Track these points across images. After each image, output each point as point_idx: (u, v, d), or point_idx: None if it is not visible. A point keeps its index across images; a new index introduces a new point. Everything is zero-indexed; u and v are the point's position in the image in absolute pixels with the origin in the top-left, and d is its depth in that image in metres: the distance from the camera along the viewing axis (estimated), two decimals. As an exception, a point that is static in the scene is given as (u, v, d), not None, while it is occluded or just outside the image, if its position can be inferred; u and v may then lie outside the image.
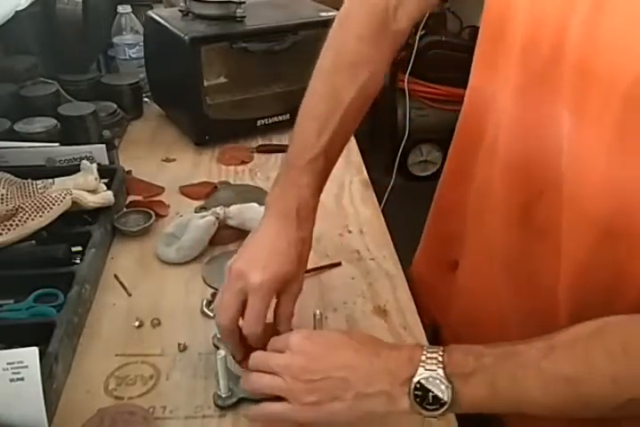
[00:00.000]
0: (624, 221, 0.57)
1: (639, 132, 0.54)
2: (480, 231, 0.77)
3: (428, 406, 0.54)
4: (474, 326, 0.60)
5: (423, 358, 0.55)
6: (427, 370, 0.54)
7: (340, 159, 1.29)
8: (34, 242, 0.88)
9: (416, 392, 0.54)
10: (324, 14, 1.26)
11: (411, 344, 0.59)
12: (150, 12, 1.29)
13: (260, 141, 1.28)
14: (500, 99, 0.69)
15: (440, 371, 0.54)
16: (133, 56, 1.42)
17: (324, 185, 0.75)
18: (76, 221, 0.94)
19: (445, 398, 0.53)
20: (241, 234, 0.97)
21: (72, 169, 0.98)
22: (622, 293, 0.60)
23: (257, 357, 0.63)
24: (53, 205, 0.89)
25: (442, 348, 0.56)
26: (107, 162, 1.05)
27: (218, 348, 0.73)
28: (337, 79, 0.75)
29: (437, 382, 0.53)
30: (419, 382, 0.54)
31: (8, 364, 0.62)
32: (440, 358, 0.55)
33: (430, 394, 0.54)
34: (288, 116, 1.29)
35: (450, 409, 0.54)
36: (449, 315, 0.87)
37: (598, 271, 0.61)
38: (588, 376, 0.52)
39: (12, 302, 0.81)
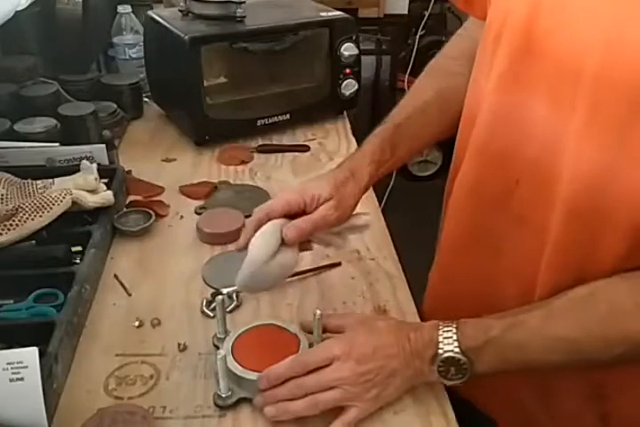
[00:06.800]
0: (588, 201, 0.60)
1: (607, 116, 0.56)
2: (460, 216, 0.78)
3: (452, 377, 0.65)
4: (452, 312, 0.68)
5: (440, 338, 0.65)
6: (446, 351, 0.64)
7: (340, 159, 1.29)
8: (34, 242, 0.88)
9: (440, 369, 0.65)
10: (323, 14, 1.26)
11: (429, 324, 0.67)
12: (150, 12, 1.29)
13: (260, 141, 1.28)
14: (483, 87, 0.71)
15: (456, 349, 0.64)
16: (133, 56, 1.42)
17: (384, 160, 0.81)
18: (76, 221, 0.94)
19: (465, 370, 0.64)
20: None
21: (72, 169, 0.98)
22: (590, 274, 0.62)
23: (306, 380, 0.66)
24: (53, 205, 0.89)
25: (454, 324, 0.65)
26: (107, 162, 1.05)
27: (218, 348, 0.73)
28: (421, 82, 0.87)
29: (456, 359, 0.64)
30: (441, 360, 0.64)
31: (8, 364, 0.62)
32: (455, 337, 0.64)
33: (452, 368, 0.65)
34: (288, 116, 1.29)
35: (470, 376, 0.65)
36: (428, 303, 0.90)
37: (570, 252, 0.64)
38: (583, 337, 0.61)
39: (11, 302, 0.81)
